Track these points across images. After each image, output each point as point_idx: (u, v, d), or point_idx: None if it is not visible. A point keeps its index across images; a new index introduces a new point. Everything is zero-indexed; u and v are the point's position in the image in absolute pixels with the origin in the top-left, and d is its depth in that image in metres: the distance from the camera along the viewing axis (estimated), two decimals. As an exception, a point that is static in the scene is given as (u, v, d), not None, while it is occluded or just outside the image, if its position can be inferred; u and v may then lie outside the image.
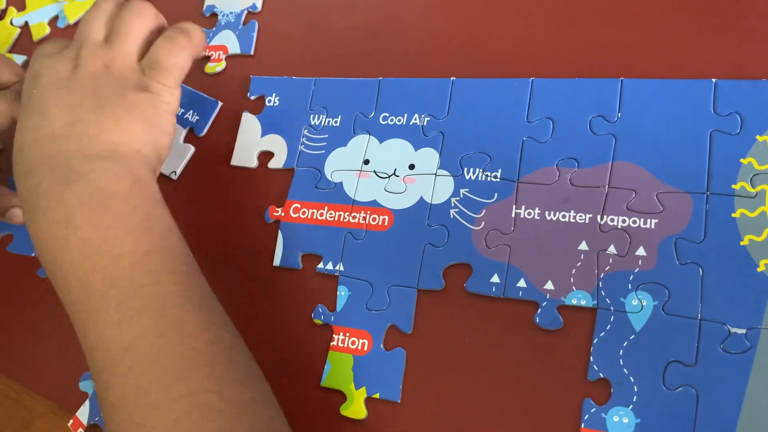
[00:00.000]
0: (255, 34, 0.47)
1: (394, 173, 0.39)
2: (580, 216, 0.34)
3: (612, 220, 0.33)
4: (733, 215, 0.31)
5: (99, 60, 0.38)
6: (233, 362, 0.32)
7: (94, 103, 0.37)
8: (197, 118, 0.46)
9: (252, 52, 0.46)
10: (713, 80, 0.33)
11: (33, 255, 0.47)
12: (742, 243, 0.31)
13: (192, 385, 0.30)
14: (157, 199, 0.36)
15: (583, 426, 0.31)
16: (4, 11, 0.58)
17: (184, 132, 0.46)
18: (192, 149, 0.45)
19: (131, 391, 0.30)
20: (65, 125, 0.36)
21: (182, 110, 0.46)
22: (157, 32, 0.41)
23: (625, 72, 0.35)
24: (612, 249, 0.33)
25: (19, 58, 0.55)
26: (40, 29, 0.56)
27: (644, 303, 0.31)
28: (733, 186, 0.32)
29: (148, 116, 0.38)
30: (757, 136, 0.32)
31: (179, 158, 0.45)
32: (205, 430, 0.29)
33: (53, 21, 0.56)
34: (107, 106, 0.37)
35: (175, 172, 0.45)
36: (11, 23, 0.57)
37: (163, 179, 0.45)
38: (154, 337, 0.31)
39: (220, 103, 0.46)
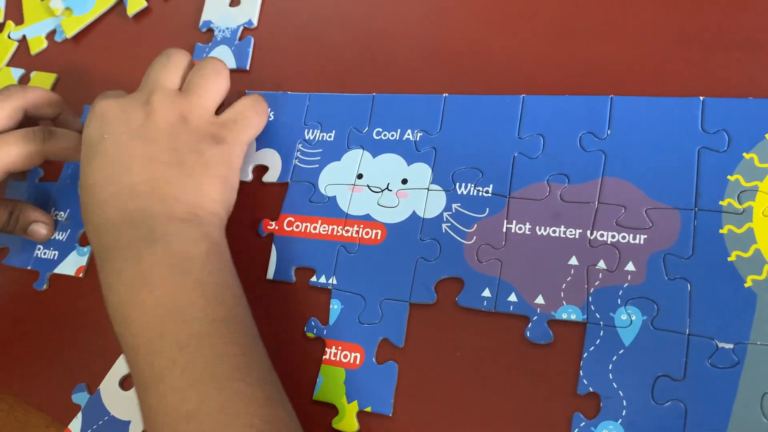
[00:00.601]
0: (251, 50, 0.47)
1: (387, 187, 0.39)
2: (570, 231, 0.34)
3: (602, 235, 0.33)
4: (721, 231, 0.32)
5: (175, 109, 0.38)
6: None
7: (173, 158, 0.37)
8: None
9: (248, 68, 0.47)
10: (701, 98, 0.34)
11: (29, 268, 0.47)
12: (729, 259, 0.31)
13: None
14: (229, 265, 0.37)
15: (572, 440, 0.31)
16: (2, 25, 0.59)
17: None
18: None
19: None
20: (145, 181, 0.36)
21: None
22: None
23: (615, 89, 0.36)
24: (602, 264, 0.33)
25: (16, 72, 0.55)
26: (37, 43, 0.56)
27: (633, 318, 0.32)
28: (721, 202, 0.32)
29: (222, 174, 0.38)
30: (744, 154, 0.32)
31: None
32: None
33: (51, 35, 0.56)
34: (186, 164, 0.37)
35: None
36: (9, 37, 0.58)
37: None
38: (215, 411, 0.30)
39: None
